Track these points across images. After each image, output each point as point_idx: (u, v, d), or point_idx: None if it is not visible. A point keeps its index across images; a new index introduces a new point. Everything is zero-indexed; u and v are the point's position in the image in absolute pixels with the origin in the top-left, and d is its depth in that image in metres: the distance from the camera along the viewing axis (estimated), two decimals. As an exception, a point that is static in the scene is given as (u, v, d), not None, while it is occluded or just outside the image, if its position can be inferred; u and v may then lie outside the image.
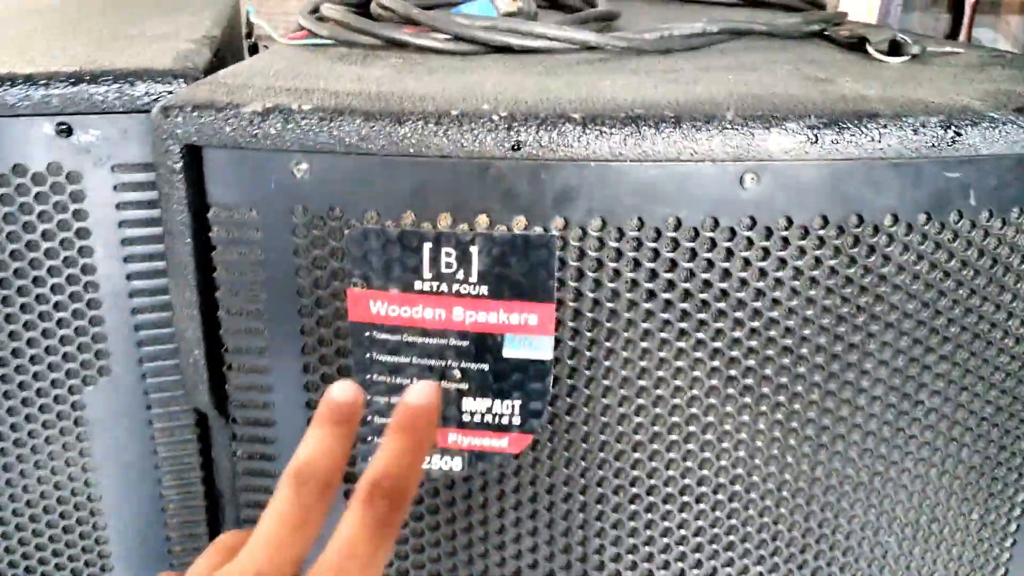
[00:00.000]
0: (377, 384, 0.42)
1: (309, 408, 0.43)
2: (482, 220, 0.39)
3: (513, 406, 0.42)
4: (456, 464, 0.43)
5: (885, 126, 0.38)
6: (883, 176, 0.39)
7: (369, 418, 0.43)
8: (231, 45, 0.54)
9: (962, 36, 0.77)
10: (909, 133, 0.38)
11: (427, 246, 0.39)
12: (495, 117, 0.37)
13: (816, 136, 0.37)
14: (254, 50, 0.61)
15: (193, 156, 0.39)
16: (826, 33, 0.57)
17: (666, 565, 0.46)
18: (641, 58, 0.50)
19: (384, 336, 0.41)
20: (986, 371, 0.45)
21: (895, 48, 0.50)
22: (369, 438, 0.43)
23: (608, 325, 0.40)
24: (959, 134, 0.38)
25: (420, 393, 0.30)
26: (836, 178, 0.38)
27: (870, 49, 0.50)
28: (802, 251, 0.40)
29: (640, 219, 0.39)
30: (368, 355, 0.41)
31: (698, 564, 0.46)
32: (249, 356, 0.42)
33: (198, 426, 0.48)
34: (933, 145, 0.38)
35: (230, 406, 0.44)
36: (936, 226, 0.40)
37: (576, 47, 0.51)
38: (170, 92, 0.42)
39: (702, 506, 0.44)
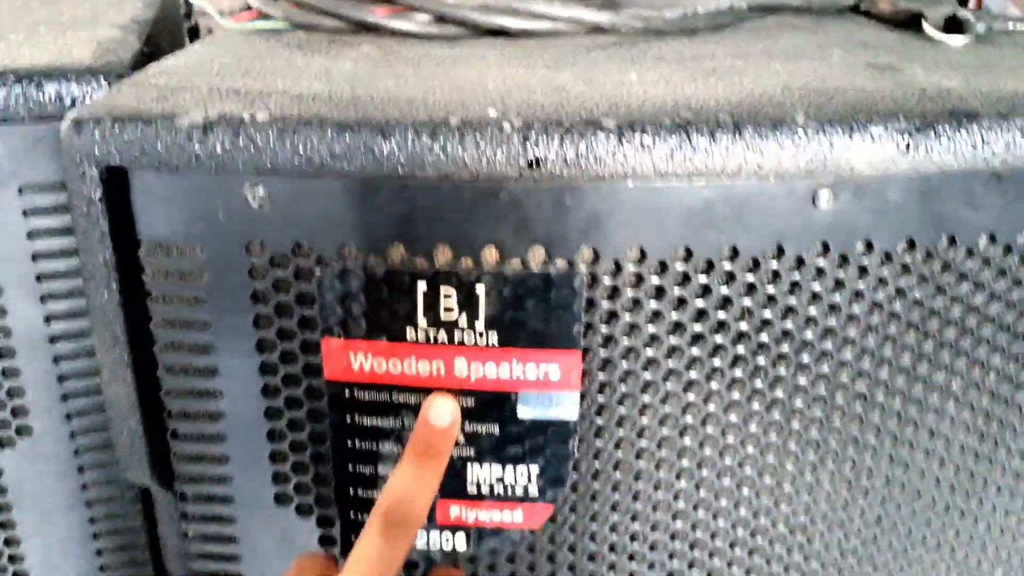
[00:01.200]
0: (361, 454, 0.34)
1: (276, 481, 0.35)
2: (490, 253, 0.31)
3: (529, 473, 0.34)
4: (460, 543, 0.36)
5: (989, 129, 0.30)
6: (981, 189, 0.31)
7: (352, 491, 0.35)
8: (166, 30, 0.45)
9: (971, 4, 0.70)
10: (1018, 137, 0.31)
11: (422, 286, 0.31)
12: (506, 126, 0.29)
13: (908, 143, 0.30)
14: (194, 35, 0.51)
15: (117, 180, 0.30)
16: (863, 7, 0.49)
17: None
18: (663, 41, 0.42)
19: (368, 396, 0.33)
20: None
21: (955, 25, 0.43)
22: (355, 516, 0.35)
23: (646, 376, 0.33)
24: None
25: (439, 412, 0.31)
26: (926, 193, 0.31)
27: (927, 28, 0.43)
28: (882, 281, 0.32)
29: (688, 249, 0.31)
30: (349, 419, 0.33)
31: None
32: (199, 422, 0.34)
33: (142, 497, 0.40)
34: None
35: (177, 481, 0.35)
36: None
37: (582, 29, 0.43)
38: (88, 94, 0.34)
39: (753, 581, 0.37)
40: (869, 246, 0.32)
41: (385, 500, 0.30)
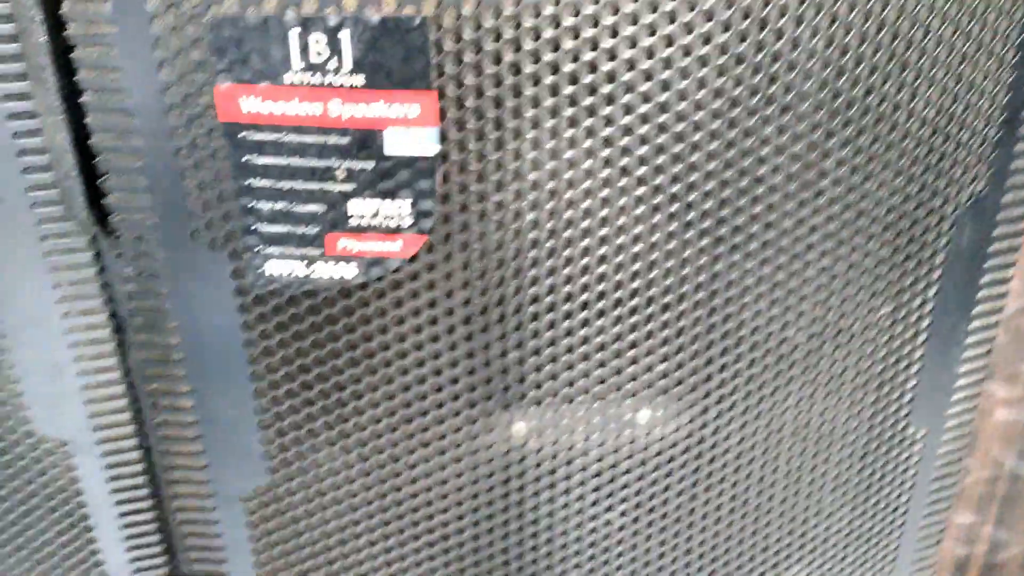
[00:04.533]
0: (260, 190, 0.40)
1: (191, 219, 0.41)
2: (348, 1, 0.36)
3: (403, 206, 0.41)
4: (349, 271, 0.42)
5: None
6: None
7: (254, 227, 0.41)
8: None
9: None
10: None
11: (294, 32, 0.37)
12: None
13: None
14: None
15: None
16: None
17: (570, 366, 0.45)
18: None
19: (260, 136, 0.39)
20: (891, 156, 0.44)
21: None
22: (257, 248, 0.42)
23: (494, 115, 0.39)
24: None
25: None
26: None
27: None
28: (690, 29, 0.38)
29: (518, -6, 0.36)
30: (246, 158, 0.40)
31: (601, 364, 0.46)
32: (124, 159, 0.40)
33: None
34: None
35: (110, 218, 0.42)
36: (834, -5, 0.38)
37: None
38: None
39: (601, 304, 0.44)
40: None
41: None
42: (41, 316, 0.46)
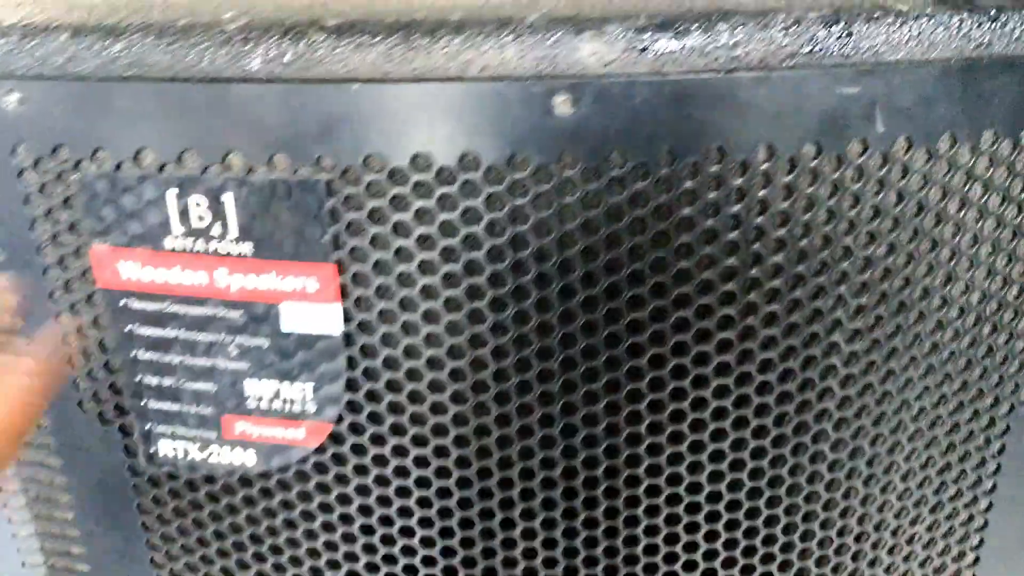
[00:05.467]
0: (147, 363, 0.35)
1: (76, 389, 0.36)
2: (235, 161, 0.31)
3: (305, 390, 0.34)
4: (248, 458, 0.36)
5: (743, 25, 0.28)
6: (750, 94, 0.29)
7: (144, 402, 0.36)
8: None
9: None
10: (777, 34, 0.28)
11: (172, 194, 0.32)
12: (229, 27, 0.29)
13: (645, 42, 0.28)
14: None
15: None
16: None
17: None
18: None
19: (142, 305, 0.34)
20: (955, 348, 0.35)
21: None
22: (148, 426, 0.36)
23: (402, 292, 0.32)
24: (850, 33, 0.28)
25: None
26: (681, 99, 0.29)
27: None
28: (639, 199, 0.30)
29: (426, 156, 0.30)
30: (128, 328, 0.34)
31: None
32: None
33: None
34: (813, 50, 0.28)
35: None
36: (831, 161, 0.30)
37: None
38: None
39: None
40: (624, 158, 0.30)
41: None
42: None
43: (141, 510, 0.39)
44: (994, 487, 0.39)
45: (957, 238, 0.33)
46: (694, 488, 0.35)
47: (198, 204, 0.32)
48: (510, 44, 0.28)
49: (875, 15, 0.28)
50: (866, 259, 0.32)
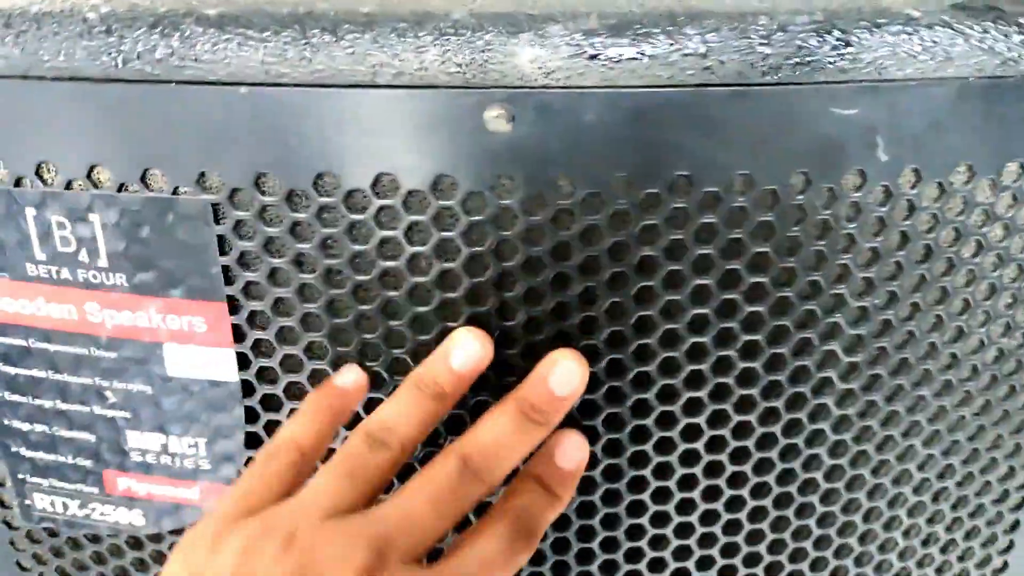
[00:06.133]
0: (16, 406, 0.30)
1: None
2: (102, 175, 0.26)
3: (196, 444, 0.29)
4: (135, 518, 0.31)
5: (715, 31, 0.23)
6: (723, 114, 0.24)
7: (15, 450, 0.31)
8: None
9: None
10: (756, 43, 0.23)
11: (30, 213, 0.26)
12: (90, 16, 0.24)
13: (595, 48, 0.23)
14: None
15: None
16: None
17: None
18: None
19: (4, 340, 0.29)
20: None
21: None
22: (21, 476, 0.31)
23: (308, 337, 0.27)
24: (848, 43, 0.23)
25: (563, 377, 0.25)
26: (640, 117, 0.24)
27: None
28: (591, 235, 0.25)
29: (333, 176, 0.25)
30: (-10, 366, 0.29)
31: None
32: None
33: None
34: (802, 62, 0.23)
35: None
36: (821, 195, 0.25)
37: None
38: None
39: None
40: (573, 184, 0.24)
41: (470, 445, 0.24)
42: None
43: (21, 567, 0.33)
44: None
45: (972, 287, 0.28)
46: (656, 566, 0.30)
47: (61, 225, 0.26)
48: (430, 45, 0.23)
49: (879, 22, 0.23)
50: (861, 310, 0.27)
